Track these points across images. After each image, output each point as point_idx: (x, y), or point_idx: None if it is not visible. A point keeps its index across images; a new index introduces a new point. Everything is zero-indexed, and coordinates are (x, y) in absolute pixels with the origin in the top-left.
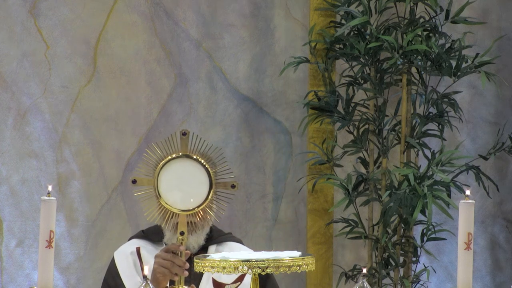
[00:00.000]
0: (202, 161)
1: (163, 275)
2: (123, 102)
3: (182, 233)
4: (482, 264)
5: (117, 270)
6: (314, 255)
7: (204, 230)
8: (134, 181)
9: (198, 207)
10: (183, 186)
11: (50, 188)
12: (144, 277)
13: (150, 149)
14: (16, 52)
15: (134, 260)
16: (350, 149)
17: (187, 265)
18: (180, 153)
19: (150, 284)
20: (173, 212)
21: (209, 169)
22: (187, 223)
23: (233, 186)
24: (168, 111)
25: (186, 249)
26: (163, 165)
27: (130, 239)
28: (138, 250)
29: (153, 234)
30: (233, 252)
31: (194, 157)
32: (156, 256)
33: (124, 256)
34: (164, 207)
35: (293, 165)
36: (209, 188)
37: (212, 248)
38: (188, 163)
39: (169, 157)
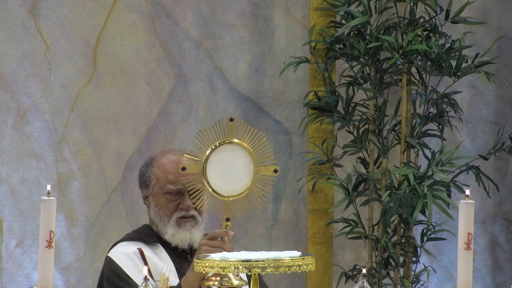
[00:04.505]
0: (249, 147)
1: None
2: (123, 102)
3: (227, 219)
4: (482, 264)
5: (123, 270)
6: (314, 255)
7: (202, 227)
8: (183, 168)
9: (242, 193)
10: (229, 172)
11: (49, 187)
12: (145, 277)
13: (198, 135)
14: (16, 52)
15: (138, 260)
16: (350, 149)
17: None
18: (227, 140)
19: (150, 285)
20: (219, 198)
21: (254, 155)
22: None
23: (275, 171)
24: (168, 111)
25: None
26: (211, 152)
27: (118, 242)
28: (141, 251)
29: (147, 236)
30: (232, 252)
31: (241, 143)
32: (202, 244)
33: (125, 257)
34: (210, 193)
35: (293, 165)
36: (254, 175)
37: None
38: (234, 149)
39: (216, 143)
